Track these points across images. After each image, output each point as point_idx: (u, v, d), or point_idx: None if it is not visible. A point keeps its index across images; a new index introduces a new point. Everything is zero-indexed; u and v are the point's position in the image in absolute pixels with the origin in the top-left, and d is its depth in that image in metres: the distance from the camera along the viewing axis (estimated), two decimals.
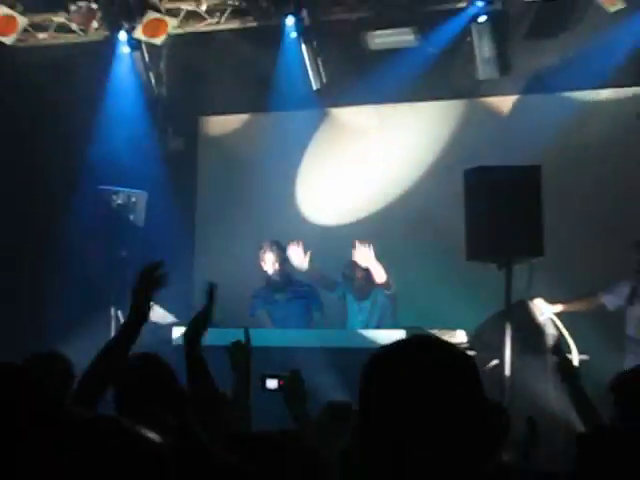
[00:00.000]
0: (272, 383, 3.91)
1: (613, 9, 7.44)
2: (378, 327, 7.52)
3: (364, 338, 6.91)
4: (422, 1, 8.01)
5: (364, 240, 7.53)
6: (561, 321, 6.71)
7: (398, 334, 6.27)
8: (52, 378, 3.60)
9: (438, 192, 8.09)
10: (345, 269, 7.89)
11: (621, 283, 7.21)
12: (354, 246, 7.60)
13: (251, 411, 3.50)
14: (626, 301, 7.14)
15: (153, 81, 8.55)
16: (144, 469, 1.38)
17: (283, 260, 7.71)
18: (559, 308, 7.09)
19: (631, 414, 3.31)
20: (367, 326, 7.64)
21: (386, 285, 7.68)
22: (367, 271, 7.68)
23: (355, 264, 7.73)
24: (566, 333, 6.55)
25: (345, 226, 8.42)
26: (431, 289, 8.07)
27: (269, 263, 7.63)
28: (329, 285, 8.05)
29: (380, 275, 7.60)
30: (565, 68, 7.74)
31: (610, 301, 7.19)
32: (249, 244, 7.97)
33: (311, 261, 7.78)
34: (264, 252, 7.65)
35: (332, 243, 8.14)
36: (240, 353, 3.54)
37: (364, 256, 7.57)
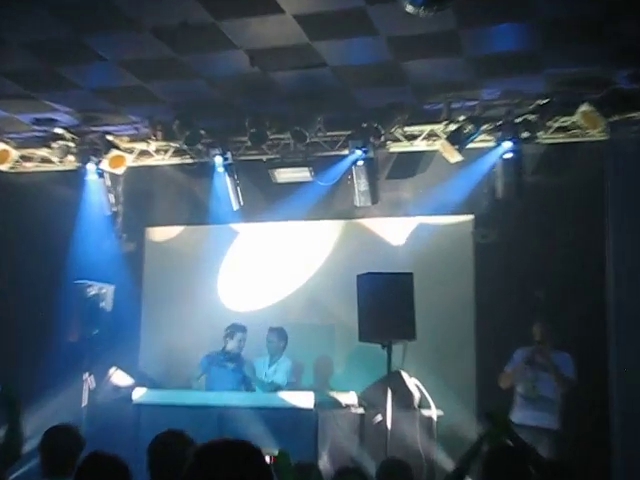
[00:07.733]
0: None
1: (453, 160, 8.42)
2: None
3: (280, 399, 7.39)
4: (315, 148, 8.95)
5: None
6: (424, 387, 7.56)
7: (309, 396, 7.08)
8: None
9: (326, 286, 9.01)
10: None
11: (516, 353, 7.88)
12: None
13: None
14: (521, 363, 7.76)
15: (113, 200, 9.50)
16: None
17: (243, 341, 8.57)
18: None
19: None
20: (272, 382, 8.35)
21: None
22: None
23: None
24: (427, 394, 7.52)
25: (253, 313, 9.27)
26: (331, 360, 9.14)
27: (235, 341, 8.56)
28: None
29: None
30: (416, 200, 9.01)
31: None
32: (183, 324, 9.06)
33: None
34: (234, 332, 8.57)
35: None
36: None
37: None
